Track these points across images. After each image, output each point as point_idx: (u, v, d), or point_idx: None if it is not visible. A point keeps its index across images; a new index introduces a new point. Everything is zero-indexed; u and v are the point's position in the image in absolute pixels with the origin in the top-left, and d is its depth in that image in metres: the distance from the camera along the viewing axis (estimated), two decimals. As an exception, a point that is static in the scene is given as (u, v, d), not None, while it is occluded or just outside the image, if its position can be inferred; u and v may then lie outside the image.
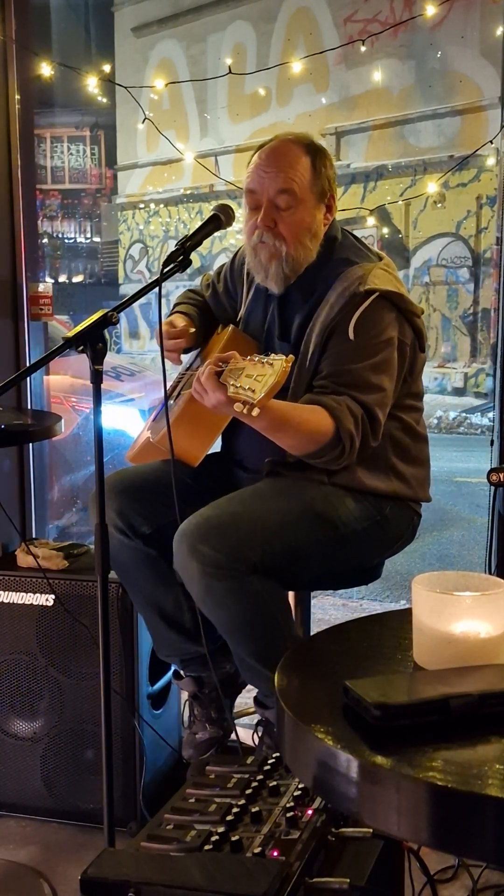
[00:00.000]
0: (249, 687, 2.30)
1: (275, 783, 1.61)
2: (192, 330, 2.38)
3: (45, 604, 2.45)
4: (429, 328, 13.45)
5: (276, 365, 1.77)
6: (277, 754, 1.70)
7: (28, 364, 2.91)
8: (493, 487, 2.73)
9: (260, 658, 2.06)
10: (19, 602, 2.48)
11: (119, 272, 18.74)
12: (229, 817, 1.50)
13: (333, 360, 2.11)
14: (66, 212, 20.53)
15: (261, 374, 1.78)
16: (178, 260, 2.02)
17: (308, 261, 2.19)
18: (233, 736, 2.33)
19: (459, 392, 13.18)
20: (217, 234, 2.18)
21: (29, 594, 2.47)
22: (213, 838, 1.45)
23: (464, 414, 11.76)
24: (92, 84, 3.28)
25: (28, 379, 3.13)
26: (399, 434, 2.21)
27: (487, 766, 1.06)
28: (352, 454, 2.07)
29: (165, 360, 2.12)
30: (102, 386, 1.84)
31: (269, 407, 1.89)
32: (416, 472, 2.25)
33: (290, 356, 1.81)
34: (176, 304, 2.51)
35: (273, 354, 1.83)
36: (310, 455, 2.08)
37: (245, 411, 1.78)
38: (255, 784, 1.61)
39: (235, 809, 1.53)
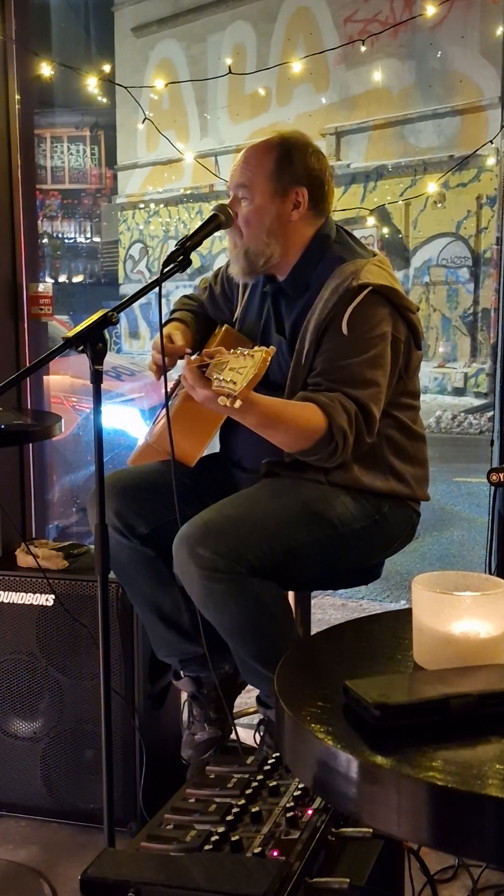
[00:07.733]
0: (249, 687, 2.30)
1: (275, 783, 1.61)
2: (189, 351, 2.39)
3: (45, 604, 2.46)
4: (429, 328, 13.45)
5: (257, 356, 1.79)
6: (277, 754, 1.70)
7: (28, 364, 2.91)
8: (493, 487, 2.74)
9: (261, 659, 2.06)
10: (19, 602, 2.48)
11: (119, 272, 18.75)
12: (229, 817, 1.50)
13: (327, 357, 2.11)
14: (66, 212, 20.55)
15: (242, 367, 1.80)
16: (178, 260, 2.02)
17: (268, 255, 2.20)
18: (233, 736, 2.33)
19: (459, 392, 13.18)
20: (217, 234, 2.19)
21: (29, 594, 2.47)
22: (213, 838, 1.45)
23: (463, 414, 11.76)
24: (92, 84, 3.28)
25: (28, 379, 3.13)
26: (394, 433, 2.21)
27: (487, 766, 1.06)
28: (346, 451, 2.06)
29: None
30: (102, 386, 1.84)
31: (255, 401, 1.90)
32: (414, 471, 2.25)
33: (272, 347, 1.83)
34: (173, 311, 2.51)
35: (256, 347, 1.84)
36: (303, 452, 2.08)
37: (228, 404, 1.79)
38: (255, 784, 1.61)
39: (235, 809, 1.53)
